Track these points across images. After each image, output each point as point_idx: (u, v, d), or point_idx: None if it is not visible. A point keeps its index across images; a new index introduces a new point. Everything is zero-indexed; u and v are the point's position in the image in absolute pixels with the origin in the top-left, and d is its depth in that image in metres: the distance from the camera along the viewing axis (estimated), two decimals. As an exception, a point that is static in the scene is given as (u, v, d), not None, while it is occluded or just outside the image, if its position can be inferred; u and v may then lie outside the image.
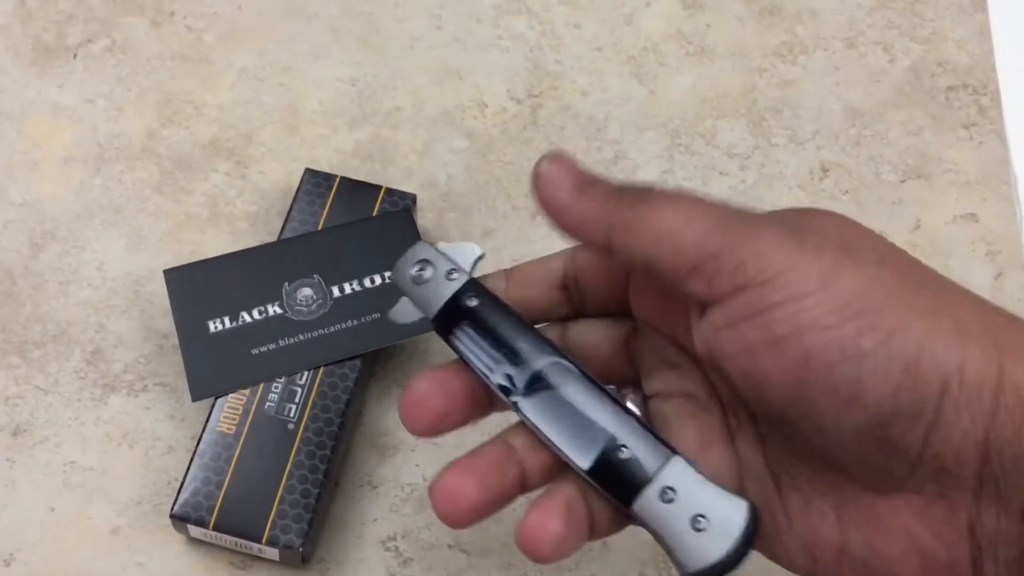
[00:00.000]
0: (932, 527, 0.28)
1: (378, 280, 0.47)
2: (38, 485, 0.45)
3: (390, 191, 0.49)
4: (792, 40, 0.58)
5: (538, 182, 0.32)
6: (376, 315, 0.46)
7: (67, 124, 0.54)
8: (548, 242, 0.49)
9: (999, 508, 0.27)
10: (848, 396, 0.27)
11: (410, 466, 0.46)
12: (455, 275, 0.34)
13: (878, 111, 0.56)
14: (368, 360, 0.46)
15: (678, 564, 0.31)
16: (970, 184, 0.54)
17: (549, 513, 0.31)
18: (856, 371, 0.27)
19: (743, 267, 0.28)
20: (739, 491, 0.32)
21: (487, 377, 0.33)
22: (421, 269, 0.34)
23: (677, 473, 0.31)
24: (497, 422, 0.35)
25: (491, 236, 0.52)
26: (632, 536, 0.45)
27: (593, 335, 0.35)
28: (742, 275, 0.28)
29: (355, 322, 0.46)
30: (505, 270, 0.35)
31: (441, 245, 0.35)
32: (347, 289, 0.47)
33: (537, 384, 0.33)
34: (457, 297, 0.34)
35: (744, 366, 0.29)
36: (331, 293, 0.47)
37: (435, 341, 0.38)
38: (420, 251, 0.35)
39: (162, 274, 0.47)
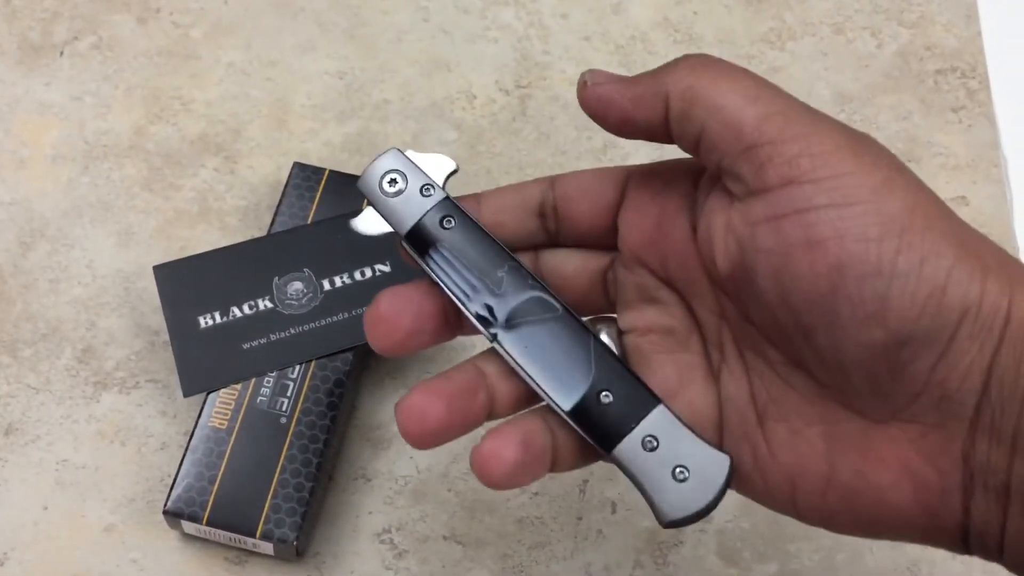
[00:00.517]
0: (927, 455, 0.29)
1: (368, 273, 0.47)
2: (31, 484, 0.45)
3: (379, 184, 0.49)
4: (780, 26, 0.58)
5: (585, 87, 0.32)
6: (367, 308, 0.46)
7: (54, 122, 0.53)
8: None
9: (992, 437, 0.28)
10: (872, 312, 0.28)
11: (404, 459, 0.46)
12: (429, 191, 0.33)
13: (867, 96, 0.56)
14: (360, 353, 0.46)
15: (657, 512, 0.31)
16: (960, 167, 0.54)
17: (504, 442, 0.31)
18: (886, 288, 0.27)
19: (797, 161, 0.28)
20: (718, 439, 0.32)
21: (464, 305, 0.32)
22: (392, 181, 0.33)
23: (660, 422, 0.31)
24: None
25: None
26: (628, 524, 0.45)
27: (568, 265, 0.34)
28: (794, 169, 0.28)
29: (346, 315, 0.46)
30: (476, 194, 0.34)
31: (410, 153, 0.33)
32: (337, 282, 0.47)
33: (518, 318, 0.32)
34: (431, 216, 0.32)
35: (775, 263, 0.29)
36: (321, 286, 0.46)
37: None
38: (391, 160, 0.33)
39: (152, 271, 0.47)
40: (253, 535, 0.42)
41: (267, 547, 0.42)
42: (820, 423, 0.30)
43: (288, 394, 0.44)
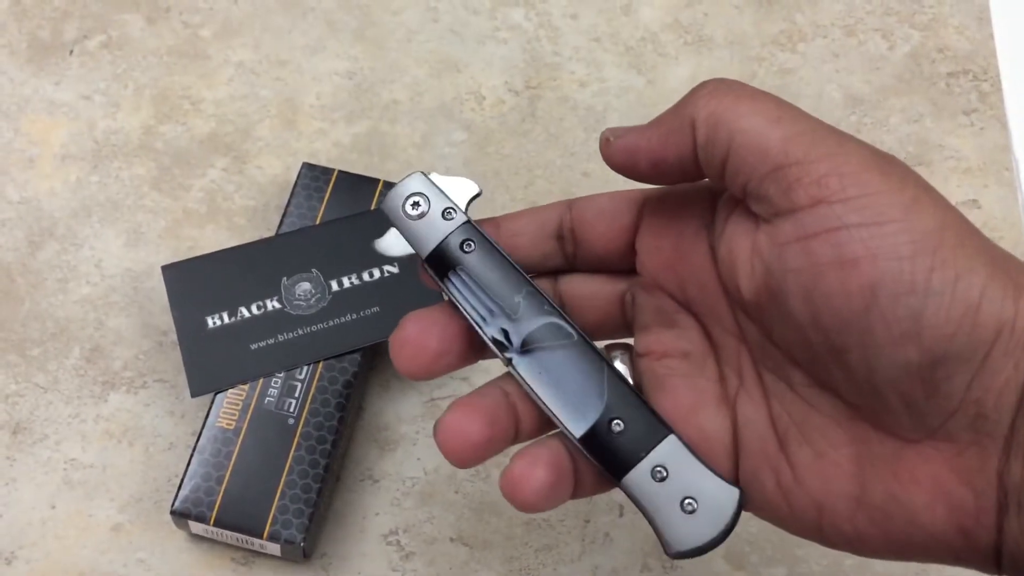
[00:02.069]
0: (962, 474, 0.28)
1: (376, 274, 0.47)
2: (39, 483, 0.45)
3: (388, 184, 0.49)
4: (791, 28, 0.58)
5: (608, 143, 0.32)
6: (375, 309, 0.46)
7: (64, 121, 0.53)
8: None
9: None
10: (907, 331, 0.27)
11: (411, 460, 0.46)
12: (451, 215, 0.33)
13: (878, 98, 0.56)
14: (368, 354, 0.46)
15: (664, 543, 0.31)
16: (971, 170, 0.54)
17: (534, 462, 0.31)
18: (920, 307, 0.27)
19: (826, 181, 0.28)
20: (732, 464, 0.32)
21: (480, 328, 0.32)
22: (415, 204, 0.33)
23: (671, 452, 0.31)
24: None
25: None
26: (635, 528, 0.45)
27: (586, 288, 0.34)
28: (823, 189, 0.28)
29: (354, 316, 0.46)
30: (495, 218, 0.34)
31: (434, 176, 0.33)
32: (346, 283, 0.47)
33: (533, 343, 0.32)
34: (452, 239, 0.33)
35: (806, 283, 0.28)
36: (329, 287, 0.46)
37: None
38: (415, 183, 0.33)
39: (160, 270, 0.47)
40: (260, 536, 0.42)
41: (274, 548, 0.42)
42: (849, 444, 0.30)
43: (296, 395, 0.44)
